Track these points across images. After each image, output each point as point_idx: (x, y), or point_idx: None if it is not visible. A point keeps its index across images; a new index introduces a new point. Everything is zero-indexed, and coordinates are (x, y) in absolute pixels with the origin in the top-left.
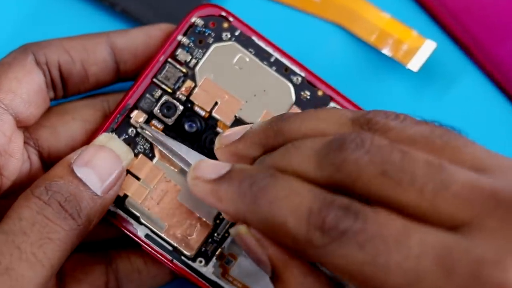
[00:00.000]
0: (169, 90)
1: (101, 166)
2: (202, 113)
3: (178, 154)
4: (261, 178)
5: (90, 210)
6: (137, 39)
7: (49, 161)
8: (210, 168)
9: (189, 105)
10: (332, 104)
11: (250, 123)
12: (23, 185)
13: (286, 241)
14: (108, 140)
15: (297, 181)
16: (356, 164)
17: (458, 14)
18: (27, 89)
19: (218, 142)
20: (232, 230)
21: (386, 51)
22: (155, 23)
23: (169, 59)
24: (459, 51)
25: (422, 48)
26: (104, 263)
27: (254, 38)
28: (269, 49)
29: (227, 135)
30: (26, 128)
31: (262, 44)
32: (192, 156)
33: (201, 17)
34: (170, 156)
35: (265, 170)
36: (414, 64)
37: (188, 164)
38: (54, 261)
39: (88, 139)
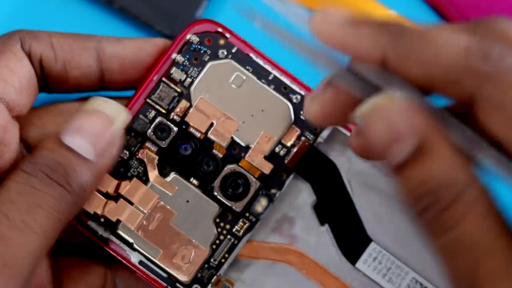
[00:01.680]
0: (163, 111)
1: (91, 130)
2: (198, 134)
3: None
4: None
5: (82, 177)
6: (127, 49)
7: None
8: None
9: (184, 127)
10: None
11: (247, 146)
12: None
13: (437, 72)
14: (100, 104)
15: None
16: None
17: (467, 12)
18: (19, 77)
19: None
20: (366, 105)
21: None
22: (153, 22)
23: (163, 78)
24: None
25: None
26: (102, 266)
27: (252, 55)
28: (268, 67)
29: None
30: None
31: (260, 61)
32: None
33: (196, 34)
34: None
35: None
36: None
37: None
38: (47, 228)
39: None
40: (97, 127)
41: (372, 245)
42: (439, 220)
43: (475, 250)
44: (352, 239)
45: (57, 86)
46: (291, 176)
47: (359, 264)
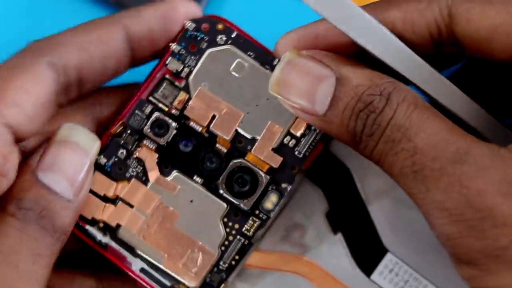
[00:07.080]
0: (165, 108)
1: (67, 166)
2: (199, 128)
3: None
4: None
5: (64, 221)
6: (152, 23)
7: None
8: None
9: (184, 121)
10: None
11: (253, 138)
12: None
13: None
14: (70, 132)
15: None
16: None
17: None
18: (34, 102)
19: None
20: (279, 64)
21: None
22: None
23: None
24: None
25: None
26: (93, 278)
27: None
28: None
29: None
30: None
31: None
32: None
33: (192, 20)
34: None
35: None
36: None
37: None
38: (44, 278)
39: None
40: (73, 163)
41: (388, 256)
42: (375, 123)
43: (408, 132)
44: (367, 249)
45: (94, 85)
46: (302, 174)
47: (374, 276)
